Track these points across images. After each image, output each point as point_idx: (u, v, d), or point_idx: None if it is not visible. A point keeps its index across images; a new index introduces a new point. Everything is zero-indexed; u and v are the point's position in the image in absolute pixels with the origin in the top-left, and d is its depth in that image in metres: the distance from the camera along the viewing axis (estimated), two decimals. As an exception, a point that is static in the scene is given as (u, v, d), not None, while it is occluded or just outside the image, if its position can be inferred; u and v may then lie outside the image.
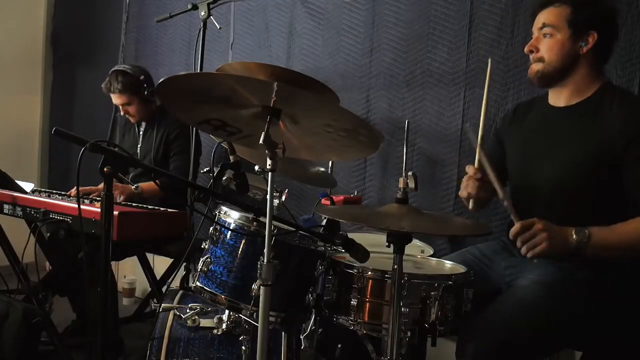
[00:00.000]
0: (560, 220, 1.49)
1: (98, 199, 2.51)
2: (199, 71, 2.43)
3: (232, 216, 1.59)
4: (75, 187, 2.72)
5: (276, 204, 1.80)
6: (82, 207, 2.03)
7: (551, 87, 1.69)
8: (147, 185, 2.61)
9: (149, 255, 2.91)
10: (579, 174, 1.57)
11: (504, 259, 1.74)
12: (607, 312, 1.52)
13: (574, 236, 1.44)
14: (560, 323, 1.50)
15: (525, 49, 1.67)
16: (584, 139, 1.57)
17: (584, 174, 1.57)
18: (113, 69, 2.79)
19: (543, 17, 1.63)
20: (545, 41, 1.62)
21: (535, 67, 1.64)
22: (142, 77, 2.73)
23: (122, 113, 2.84)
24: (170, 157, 2.76)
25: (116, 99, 2.77)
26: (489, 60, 1.74)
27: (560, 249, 1.44)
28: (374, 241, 1.58)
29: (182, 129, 2.70)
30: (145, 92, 2.72)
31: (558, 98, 1.68)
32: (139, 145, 2.87)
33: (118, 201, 2.52)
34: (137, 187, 2.59)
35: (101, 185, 2.72)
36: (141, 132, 2.89)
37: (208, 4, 2.38)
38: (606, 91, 1.61)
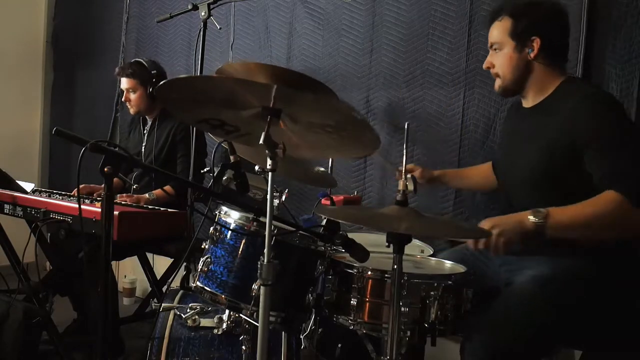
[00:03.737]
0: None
1: (99, 199, 2.52)
2: (199, 71, 2.44)
3: (232, 216, 1.59)
4: (82, 187, 2.74)
5: (276, 204, 1.80)
6: (82, 207, 2.04)
7: (517, 95, 1.76)
8: (160, 192, 2.64)
9: (149, 255, 2.91)
10: (544, 168, 1.60)
11: (499, 256, 1.74)
12: (607, 306, 1.53)
13: (531, 218, 1.46)
14: (563, 319, 1.51)
15: (484, 66, 1.76)
16: (545, 134, 1.61)
17: (550, 168, 1.59)
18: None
19: (490, 36, 1.72)
20: (497, 56, 1.70)
21: (497, 83, 1.74)
22: (153, 72, 2.78)
23: (123, 99, 2.86)
24: (177, 158, 2.78)
25: (124, 83, 2.82)
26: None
27: (520, 235, 1.46)
28: (374, 241, 1.58)
29: (189, 130, 2.70)
30: (151, 88, 2.76)
31: (526, 100, 1.75)
32: (143, 144, 2.88)
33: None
34: (150, 194, 2.61)
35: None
36: (146, 131, 2.90)
37: (208, 5, 2.38)
38: (565, 86, 1.65)
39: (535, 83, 1.68)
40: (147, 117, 2.93)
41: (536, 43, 1.62)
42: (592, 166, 1.52)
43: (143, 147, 2.87)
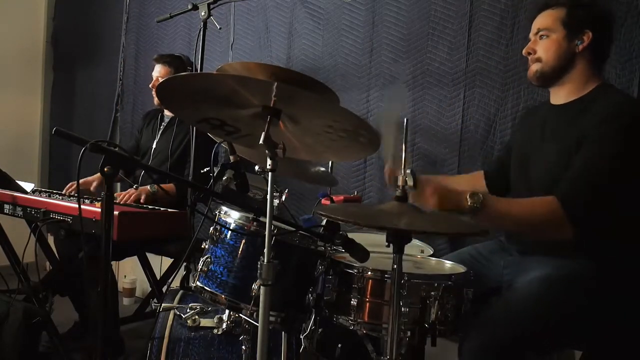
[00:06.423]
0: None
1: (99, 199, 2.52)
2: (199, 71, 2.43)
3: (232, 216, 1.59)
4: (70, 184, 2.73)
5: (276, 204, 1.80)
6: (82, 207, 2.04)
7: (550, 86, 1.72)
8: (163, 186, 2.64)
9: (150, 255, 2.91)
10: (561, 168, 1.58)
11: (502, 258, 1.75)
12: (609, 307, 1.52)
13: (468, 200, 1.48)
14: (564, 319, 1.51)
15: (524, 52, 1.71)
16: (569, 134, 1.59)
17: (566, 168, 1.57)
18: None
19: (538, 22, 1.68)
20: (542, 42, 1.66)
21: (534, 67, 1.68)
22: (189, 68, 2.77)
23: (150, 85, 2.85)
24: (188, 161, 2.75)
25: (157, 70, 2.83)
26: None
27: (454, 209, 1.50)
28: (374, 241, 1.58)
29: (206, 136, 2.66)
30: None
31: (558, 97, 1.71)
32: (156, 140, 2.86)
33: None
34: (152, 186, 2.61)
35: (96, 176, 2.75)
36: (162, 127, 2.88)
37: (208, 4, 2.38)
38: (601, 90, 1.63)
39: (573, 79, 1.64)
40: (165, 113, 2.91)
41: (587, 36, 1.60)
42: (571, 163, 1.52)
43: (155, 143, 2.86)
